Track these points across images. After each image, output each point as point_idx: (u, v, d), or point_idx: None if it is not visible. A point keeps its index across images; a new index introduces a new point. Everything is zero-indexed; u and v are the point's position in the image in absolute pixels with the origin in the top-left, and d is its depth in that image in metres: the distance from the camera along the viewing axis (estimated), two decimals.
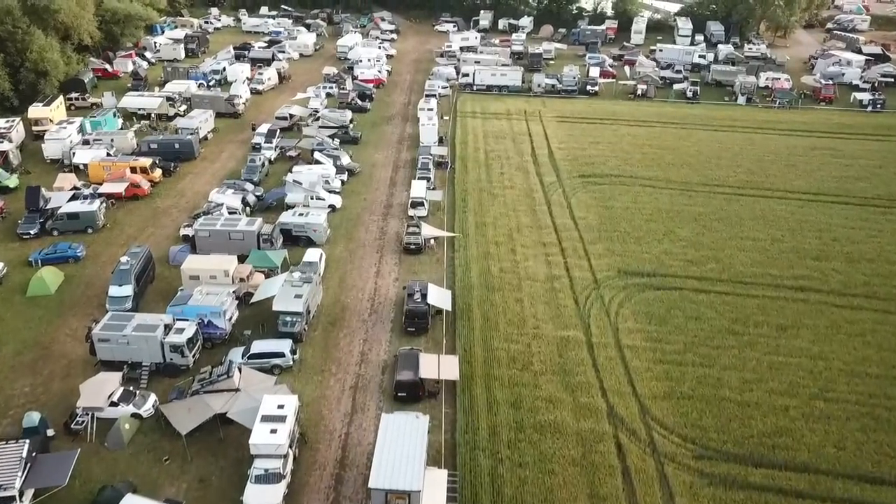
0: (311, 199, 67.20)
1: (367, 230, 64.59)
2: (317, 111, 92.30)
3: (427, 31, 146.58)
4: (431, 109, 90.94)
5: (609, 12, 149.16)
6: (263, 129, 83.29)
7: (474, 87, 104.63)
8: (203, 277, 52.07)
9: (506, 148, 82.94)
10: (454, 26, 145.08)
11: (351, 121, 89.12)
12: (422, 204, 66.31)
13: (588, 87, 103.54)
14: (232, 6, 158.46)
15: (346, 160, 76.50)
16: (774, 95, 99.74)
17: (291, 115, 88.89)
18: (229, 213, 63.09)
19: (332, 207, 67.43)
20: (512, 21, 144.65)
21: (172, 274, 55.45)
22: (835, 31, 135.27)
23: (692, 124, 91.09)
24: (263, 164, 74.85)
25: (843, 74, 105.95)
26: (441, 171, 77.58)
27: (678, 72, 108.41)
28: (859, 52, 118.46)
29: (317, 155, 74.43)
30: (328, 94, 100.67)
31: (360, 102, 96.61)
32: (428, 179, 72.47)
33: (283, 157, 79.84)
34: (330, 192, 70.16)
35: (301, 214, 61.49)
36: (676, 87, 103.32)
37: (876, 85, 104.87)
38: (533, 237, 62.20)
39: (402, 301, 52.36)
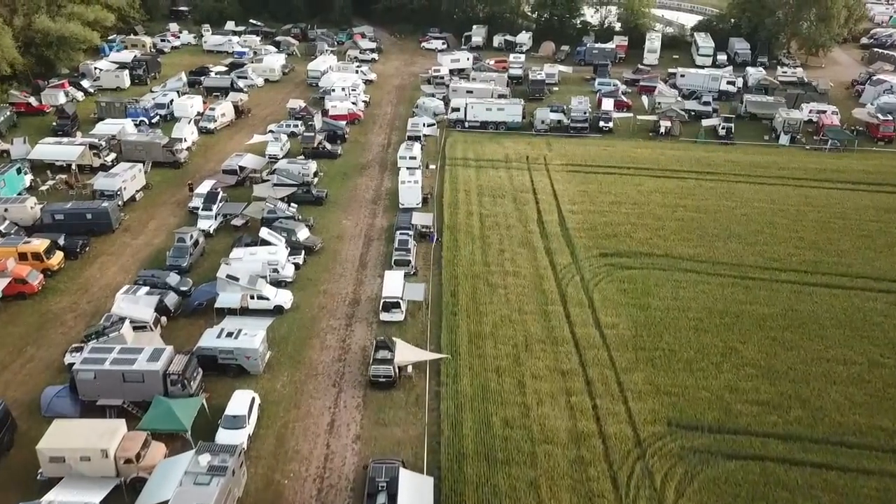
0: (252, 298, 51.02)
1: (324, 345, 48.19)
2: (276, 159, 76.07)
3: (413, 49, 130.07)
4: (414, 158, 74.63)
5: (617, 26, 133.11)
6: (204, 187, 66.91)
7: (466, 124, 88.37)
8: (70, 460, 35.64)
9: (506, 211, 66.65)
10: (443, 43, 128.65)
11: (316, 174, 72.69)
12: (397, 305, 50.04)
13: (601, 124, 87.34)
14: (195, 20, 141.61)
15: (303, 234, 60.04)
16: (823, 134, 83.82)
17: (242, 168, 72.40)
18: (135, 329, 46.67)
19: (280, 309, 51.15)
20: (508, 37, 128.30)
21: (45, 431, 38.90)
22: (875, 49, 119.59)
23: (732, 174, 74.90)
24: (196, 243, 58.33)
25: None
26: (425, 243, 61.41)
27: (706, 103, 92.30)
28: None
29: (264, 233, 57.91)
30: (292, 134, 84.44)
31: (328, 147, 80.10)
32: (407, 264, 56.27)
33: (227, 227, 63.61)
34: (279, 282, 53.96)
35: (230, 334, 45.02)
36: (706, 122, 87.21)
37: None
38: (547, 360, 45.90)
39: (362, 482, 36.20)
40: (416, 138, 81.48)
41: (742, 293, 53.43)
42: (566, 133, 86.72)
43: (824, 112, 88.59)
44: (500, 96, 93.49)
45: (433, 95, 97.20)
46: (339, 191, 71.88)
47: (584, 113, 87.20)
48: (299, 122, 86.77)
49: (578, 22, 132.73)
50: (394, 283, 51.18)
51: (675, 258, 58.39)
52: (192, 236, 57.70)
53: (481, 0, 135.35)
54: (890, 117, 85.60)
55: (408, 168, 71.21)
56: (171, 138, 78.37)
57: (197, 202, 65.10)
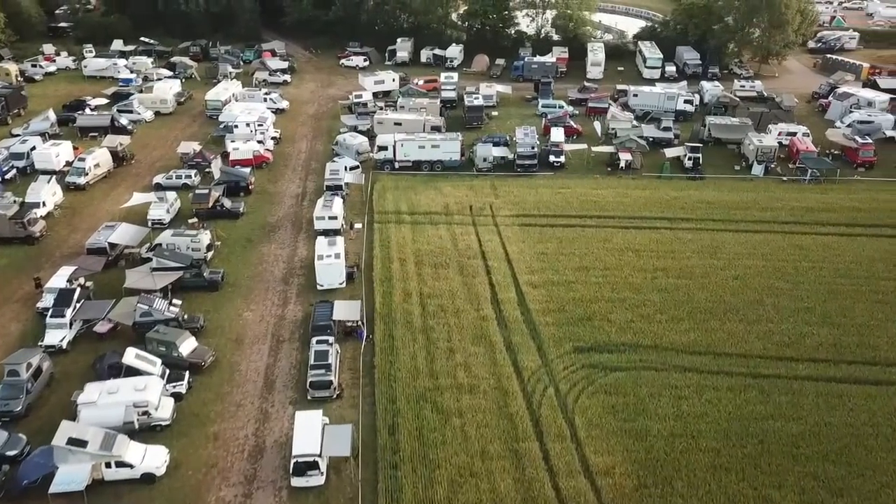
0: (108, 466, 36.41)
1: None
2: (161, 225, 61.11)
3: (331, 67, 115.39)
4: (334, 218, 60.96)
5: (554, 35, 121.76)
6: (59, 280, 51.37)
7: (396, 164, 74.92)
8: None
9: (452, 288, 53.59)
10: (365, 59, 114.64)
11: (210, 246, 57.92)
12: (315, 466, 36.33)
13: (551, 158, 75.35)
14: (77, 39, 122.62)
15: (188, 346, 45.40)
16: (799, 161, 74.16)
17: (113, 245, 56.94)
18: None
19: (149, 478, 36.67)
20: (437, 51, 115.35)
21: None
22: (829, 56, 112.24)
23: (710, 220, 63.92)
24: (38, 372, 42.86)
25: (874, 123, 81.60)
26: (353, 341, 47.91)
27: (666, 128, 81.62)
28: (874, 86, 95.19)
29: (129, 357, 43.00)
30: (185, 187, 69.39)
31: (228, 205, 65.17)
32: (328, 386, 42.58)
33: (89, 335, 48.35)
34: (151, 427, 39.57)
35: None
36: (669, 153, 76.33)
37: None
38: None
39: None
40: (337, 188, 67.62)
41: (759, 401, 42.00)
42: (512, 171, 74.40)
43: (795, 134, 79.26)
44: (434, 128, 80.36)
45: (356, 128, 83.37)
46: (240, 266, 57.32)
47: (532, 147, 74.88)
48: (193, 172, 71.68)
49: (513, 32, 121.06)
50: (309, 432, 37.30)
51: (666, 350, 46.60)
52: (29, 365, 42.20)
53: (405, 9, 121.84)
54: (869, 140, 76.74)
55: (326, 235, 57.53)
56: (24, 204, 62.15)
57: (49, 301, 49.58)
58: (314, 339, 45.23)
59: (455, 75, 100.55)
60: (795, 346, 46.97)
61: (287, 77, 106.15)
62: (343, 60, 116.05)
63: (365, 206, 67.23)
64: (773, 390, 42.90)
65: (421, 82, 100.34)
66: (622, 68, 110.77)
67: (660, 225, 63.04)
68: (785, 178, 72.98)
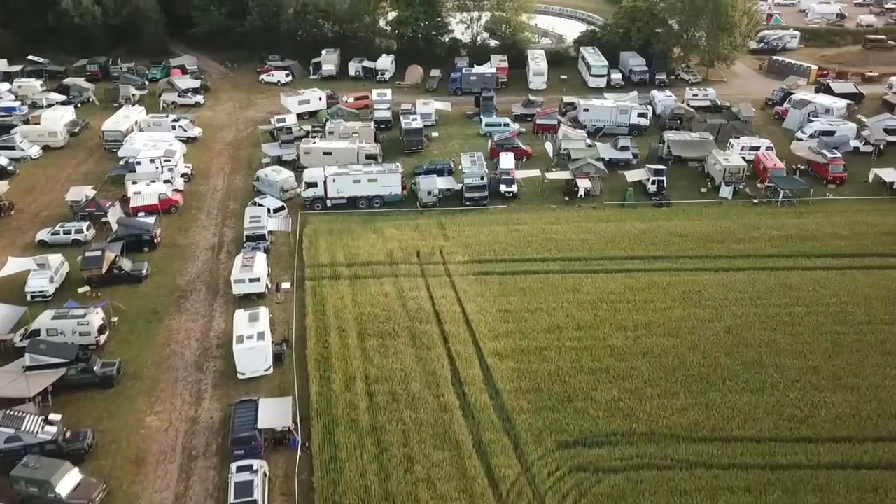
0: None
1: None
2: (44, 297, 50.01)
3: (249, 84, 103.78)
4: (257, 280, 51.25)
5: (491, 41, 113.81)
6: None
7: (329, 202, 65.48)
8: None
9: (404, 367, 44.71)
10: (287, 75, 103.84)
11: (103, 328, 47.23)
12: None
13: (502, 188, 67.39)
14: None
15: (68, 484, 34.96)
16: (768, 181, 68.47)
17: None
18: None
19: None
20: (367, 63, 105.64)
21: None
22: (776, 59, 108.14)
23: (686, 257, 56.89)
24: None
25: (839, 135, 76.84)
26: (285, 451, 38.60)
27: (624, 148, 74.73)
28: (826, 89, 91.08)
29: None
30: (75, 243, 58.29)
31: (127, 268, 54.19)
32: None
33: None
34: None
35: None
36: (631, 176, 69.33)
37: (882, 148, 76.81)
38: None
39: None
40: (260, 238, 57.65)
41: None
42: (460, 205, 65.97)
43: (758, 149, 73.69)
44: (370, 157, 71.19)
45: (280, 159, 73.36)
46: (142, 350, 46.94)
47: (481, 178, 66.53)
48: (85, 224, 60.38)
49: (447, 40, 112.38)
50: None
51: (665, 438, 39.11)
52: None
53: (329, 17, 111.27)
54: (838, 154, 71.69)
55: (248, 301, 47.93)
56: None
57: None
58: (234, 466, 35.63)
59: (388, 91, 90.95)
60: (811, 422, 40.24)
61: (200, 98, 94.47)
62: (263, 76, 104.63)
63: (294, 258, 57.63)
64: (799, 487, 35.93)
65: (350, 100, 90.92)
66: (565, 76, 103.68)
67: (631, 266, 55.74)
68: (756, 201, 66.99)
